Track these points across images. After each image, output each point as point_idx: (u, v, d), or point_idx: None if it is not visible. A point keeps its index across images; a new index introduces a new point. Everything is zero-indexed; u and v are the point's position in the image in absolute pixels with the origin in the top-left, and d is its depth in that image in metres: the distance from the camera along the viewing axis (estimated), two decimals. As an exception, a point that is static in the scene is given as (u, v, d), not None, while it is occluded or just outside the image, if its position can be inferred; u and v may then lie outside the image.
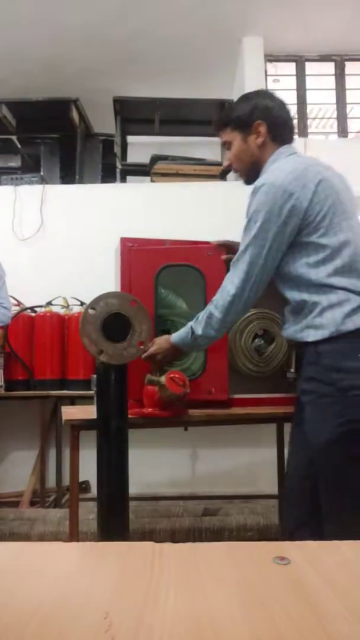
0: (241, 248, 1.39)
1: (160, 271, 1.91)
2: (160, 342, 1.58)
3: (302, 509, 1.45)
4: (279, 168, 1.40)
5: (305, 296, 1.37)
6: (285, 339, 1.61)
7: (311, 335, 1.35)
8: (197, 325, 1.46)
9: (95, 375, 1.55)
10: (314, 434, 1.36)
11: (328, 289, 1.33)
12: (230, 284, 1.40)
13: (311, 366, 1.37)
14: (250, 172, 1.50)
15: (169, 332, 1.96)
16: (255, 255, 1.36)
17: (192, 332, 1.48)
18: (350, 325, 1.30)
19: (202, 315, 1.46)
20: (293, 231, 1.34)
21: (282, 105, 1.51)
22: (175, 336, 1.55)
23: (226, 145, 1.55)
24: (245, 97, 1.52)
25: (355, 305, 1.32)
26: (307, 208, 1.32)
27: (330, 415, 1.31)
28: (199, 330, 1.45)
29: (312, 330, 1.35)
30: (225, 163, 1.58)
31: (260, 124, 1.45)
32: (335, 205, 1.35)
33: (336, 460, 1.31)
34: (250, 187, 1.44)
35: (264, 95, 1.54)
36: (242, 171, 1.54)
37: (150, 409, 1.67)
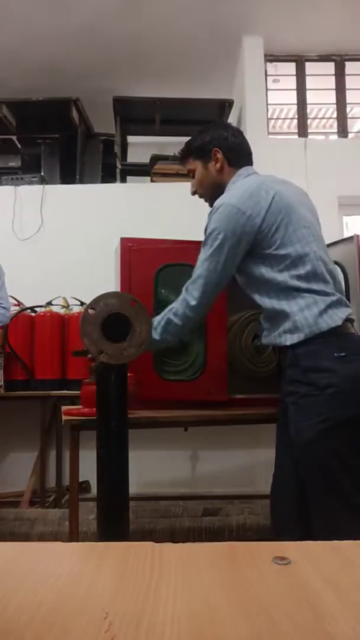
0: (198, 264, 1.51)
1: (160, 270, 1.91)
2: None
3: (289, 508, 1.48)
4: (235, 188, 1.56)
5: (275, 303, 1.46)
6: (266, 345, 1.68)
7: (288, 339, 1.43)
8: (154, 331, 1.53)
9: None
10: (297, 433, 1.40)
11: (296, 293, 1.43)
12: (190, 296, 1.50)
13: (291, 368, 1.43)
14: (213, 196, 1.63)
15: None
16: (212, 270, 1.48)
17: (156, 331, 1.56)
18: (323, 325, 1.38)
19: (159, 321, 1.54)
20: (247, 244, 1.46)
21: (236, 133, 1.70)
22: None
23: (190, 174, 1.71)
24: (203, 130, 1.70)
25: (323, 306, 1.40)
26: (261, 224, 1.44)
27: (311, 413, 1.36)
28: (155, 336, 1.53)
29: (289, 334, 1.43)
30: (191, 190, 1.74)
31: (217, 151, 1.62)
32: (289, 216, 1.46)
33: (319, 458, 1.35)
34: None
35: (220, 126, 1.74)
36: (206, 195, 1.70)
37: (87, 409, 1.67)
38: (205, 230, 1.53)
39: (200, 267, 1.50)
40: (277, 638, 0.39)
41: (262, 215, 1.45)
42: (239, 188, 1.55)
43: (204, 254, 1.51)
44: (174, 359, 1.94)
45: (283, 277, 1.44)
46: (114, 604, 0.45)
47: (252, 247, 1.47)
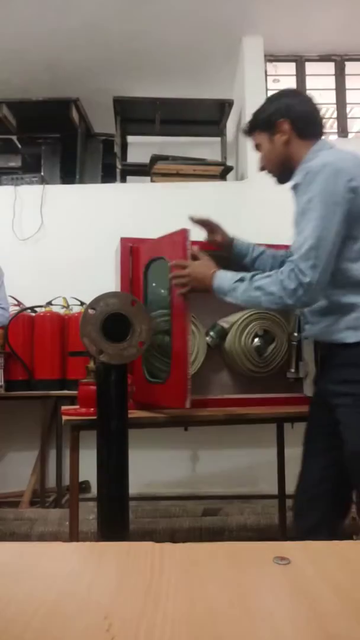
0: (307, 233, 1.31)
1: (147, 267, 1.89)
2: (199, 268, 1.55)
3: (318, 512, 1.43)
4: (331, 154, 1.40)
5: (342, 295, 1.34)
6: (309, 338, 1.57)
7: (351, 337, 1.33)
8: (252, 288, 1.39)
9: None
10: (352, 438, 1.32)
11: None
12: (301, 274, 1.30)
13: (348, 368, 1.34)
14: (281, 171, 1.53)
15: (168, 332, 1.96)
16: (323, 248, 1.28)
17: (238, 287, 1.43)
18: None
19: (262, 283, 1.37)
20: (349, 215, 1.30)
21: (305, 101, 1.52)
22: (220, 277, 1.49)
23: (258, 148, 1.58)
24: (269, 99, 1.58)
25: None
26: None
27: None
28: (250, 292, 1.39)
29: (352, 331, 1.33)
30: (260, 165, 1.60)
31: (283, 122, 1.48)
32: None
33: None
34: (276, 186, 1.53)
35: (287, 94, 1.57)
36: (273, 171, 1.57)
37: (84, 409, 1.67)
38: (303, 197, 1.36)
39: (311, 236, 1.29)
40: (277, 638, 0.39)
41: None
42: (335, 153, 1.39)
43: (312, 222, 1.30)
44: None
45: (355, 269, 1.32)
46: (114, 604, 0.45)
47: None
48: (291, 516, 2.40)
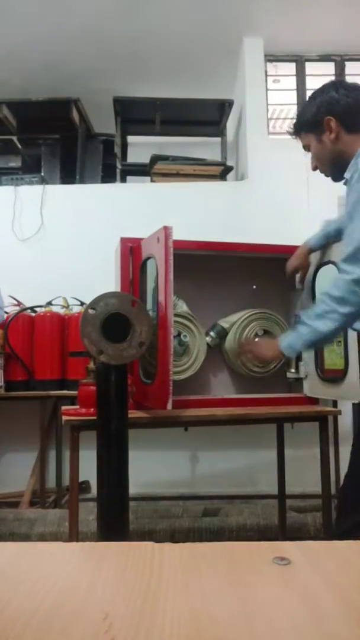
0: (355, 235, 1.29)
1: (141, 267, 1.89)
2: (264, 344, 1.63)
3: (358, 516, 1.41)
4: None
5: None
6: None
7: None
8: (312, 323, 1.37)
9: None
10: None
11: None
12: (352, 274, 1.28)
13: None
14: (335, 169, 1.49)
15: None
16: None
17: (302, 333, 1.41)
18: None
19: (318, 311, 1.36)
20: None
21: (350, 90, 1.45)
22: (283, 339, 1.52)
23: (307, 149, 1.55)
24: (311, 97, 1.52)
25: None
26: None
27: None
28: (315, 328, 1.36)
29: None
30: (312, 166, 1.57)
31: (329, 120, 1.43)
32: None
33: None
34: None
35: (328, 88, 1.49)
36: (326, 170, 1.53)
37: (84, 409, 1.67)
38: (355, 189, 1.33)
39: (357, 239, 1.28)
40: (277, 638, 0.39)
41: None
42: None
43: (358, 225, 1.28)
44: (175, 359, 1.94)
45: None
46: (114, 604, 0.45)
47: None
48: (294, 519, 2.40)
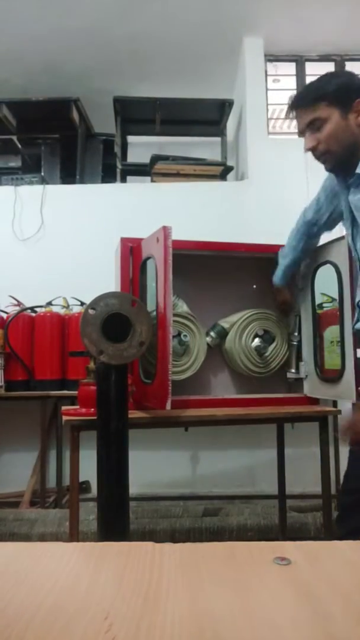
0: None
1: (141, 267, 1.89)
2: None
3: None
4: None
5: None
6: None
7: None
8: None
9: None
10: None
11: None
12: None
13: None
14: (343, 155, 1.34)
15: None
16: None
17: None
18: None
19: None
20: None
21: None
22: None
23: (317, 123, 1.34)
24: (337, 74, 1.40)
25: None
26: None
27: None
28: None
29: None
30: (310, 145, 1.37)
31: None
32: None
33: None
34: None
35: (355, 75, 1.39)
36: (335, 153, 1.35)
37: (84, 409, 1.67)
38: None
39: None
40: (278, 638, 0.39)
41: None
42: None
43: None
44: (175, 360, 1.94)
45: None
46: (114, 604, 0.45)
47: None
48: (294, 519, 2.39)
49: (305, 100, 1.36)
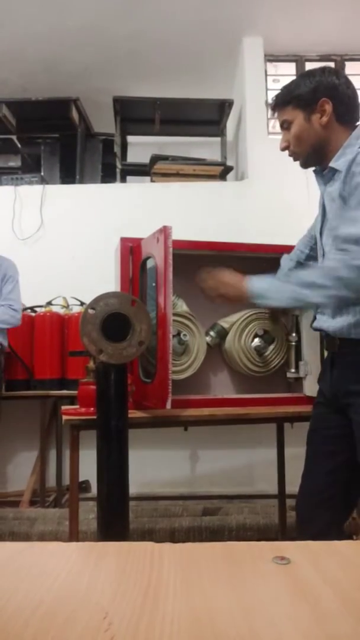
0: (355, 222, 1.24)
1: (141, 267, 1.88)
2: (228, 275, 1.50)
3: (326, 517, 1.39)
4: None
5: None
6: (323, 332, 1.45)
7: None
8: (297, 284, 1.31)
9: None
10: None
11: None
12: (351, 256, 1.21)
13: None
14: (311, 155, 1.40)
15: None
16: None
17: (280, 288, 1.36)
18: None
19: (310, 279, 1.29)
20: None
21: (348, 83, 1.39)
22: (257, 280, 1.43)
23: (285, 125, 1.43)
24: (309, 74, 1.41)
25: None
26: None
27: None
28: (296, 290, 1.30)
29: None
30: (282, 145, 1.44)
31: (326, 102, 1.35)
32: None
33: None
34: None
35: (329, 72, 1.41)
36: (301, 153, 1.42)
37: (84, 409, 1.67)
38: (347, 182, 1.28)
39: None
40: (277, 638, 0.39)
41: None
42: None
43: None
44: (175, 359, 1.94)
45: None
46: (113, 603, 0.45)
47: None
48: (294, 519, 2.39)
49: (277, 103, 1.44)
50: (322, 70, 1.42)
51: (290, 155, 1.46)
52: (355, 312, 1.29)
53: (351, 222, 1.25)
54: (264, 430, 2.51)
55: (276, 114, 1.47)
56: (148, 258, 1.82)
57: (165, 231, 1.61)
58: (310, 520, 1.43)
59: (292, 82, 1.43)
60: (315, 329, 1.45)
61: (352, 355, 1.32)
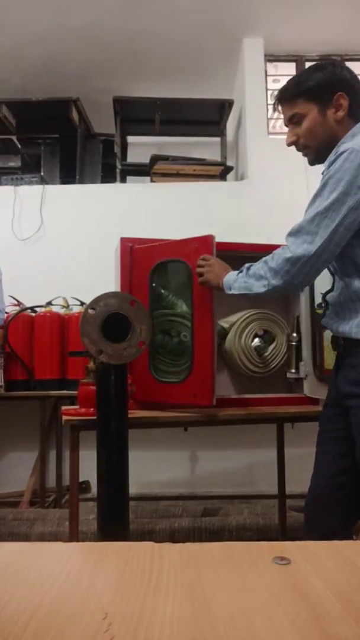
0: (307, 217, 1.25)
1: (154, 269, 1.90)
2: (220, 266, 1.59)
3: (333, 520, 1.38)
4: None
5: None
6: (332, 333, 1.44)
7: None
8: (246, 275, 1.41)
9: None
10: None
11: None
12: (287, 251, 1.27)
13: None
14: (322, 150, 1.36)
15: (169, 332, 1.97)
16: (324, 228, 1.22)
17: (237, 279, 1.44)
18: None
19: (253, 270, 1.40)
20: None
21: (357, 78, 1.36)
22: (229, 274, 1.52)
23: (295, 119, 1.37)
24: (320, 67, 1.37)
25: None
26: None
27: None
28: (245, 279, 1.40)
29: None
30: (291, 139, 1.40)
31: (342, 96, 1.31)
32: None
33: None
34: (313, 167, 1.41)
35: (341, 66, 1.37)
36: (313, 148, 1.38)
37: (84, 409, 1.67)
38: (323, 180, 1.28)
39: (310, 223, 1.24)
40: (277, 638, 0.39)
41: None
42: None
43: (317, 208, 1.24)
44: (175, 359, 1.94)
45: None
46: (113, 604, 0.45)
47: None
48: (294, 519, 2.39)
49: (286, 96, 1.39)
50: (333, 64, 1.39)
51: (299, 149, 1.42)
52: (354, 312, 1.29)
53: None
54: (264, 431, 2.51)
55: (280, 108, 1.42)
56: (167, 262, 1.84)
57: (209, 241, 1.70)
58: (318, 523, 1.42)
59: (300, 74, 1.39)
60: (324, 327, 1.46)
61: (355, 357, 1.30)
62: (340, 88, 1.32)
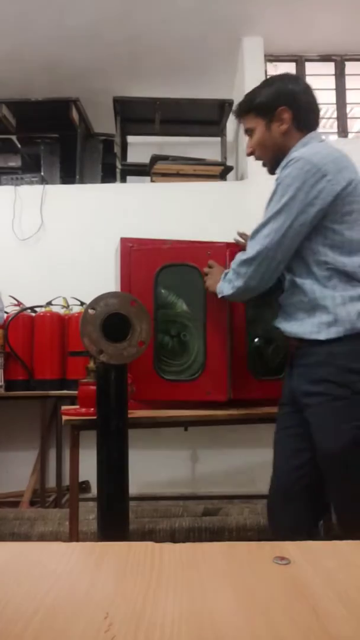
0: (262, 220, 1.35)
1: (160, 271, 1.91)
2: (216, 272, 1.66)
3: (292, 513, 1.39)
4: (313, 148, 1.34)
5: (320, 288, 1.30)
6: (284, 334, 1.47)
7: (324, 334, 1.28)
8: (224, 279, 1.52)
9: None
10: (325, 439, 1.28)
11: (346, 281, 1.28)
12: (244, 254, 1.38)
13: (322, 367, 1.29)
14: (274, 161, 1.44)
15: (169, 332, 1.97)
16: (275, 230, 1.30)
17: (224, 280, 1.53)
18: None
19: (228, 274, 1.49)
20: (318, 215, 1.28)
21: (307, 89, 1.43)
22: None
23: (248, 132, 1.48)
24: (268, 82, 1.46)
25: None
26: (339, 194, 1.27)
27: (345, 418, 1.25)
28: (223, 284, 1.52)
29: (325, 327, 1.28)
30: (248, 150, 1.50)
31: (285, 110, 1.39)
32: None
33: (355, 464, 1.25)
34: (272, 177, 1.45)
35: (289, 79, 1.46)
36: (265, 160, 1.49)
37: (84, 409, 1.67)
38: (275, 186, 1.35)
39: (263, 226, 1.33)
40: (277, 638, 0.39)
41: (342, 185, 1.27)
42: (318, 148, 1.34)
43: (269, 212, 1.32)
44: (175, 359, 1.94)
45: (340, 261, 1.28)
46: (113, 604, 0.45)
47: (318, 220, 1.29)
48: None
49: (238, 111, 1.50)
50: (282, 77, 1.48)
51: (256, 160, 1.52)
52: (307, 312, 1.34)
53: None
54: (264, 431, 2.51)
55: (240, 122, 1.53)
56: (174, 265, 1.88)
57: (229, 250, 1.79)
58: (280, 517, 1.44)
59: (253, 90, 1.48)
60: (277, 328, 1.49)
61: (307, 355, 1.33)
62: (284, 102, 1.39)
